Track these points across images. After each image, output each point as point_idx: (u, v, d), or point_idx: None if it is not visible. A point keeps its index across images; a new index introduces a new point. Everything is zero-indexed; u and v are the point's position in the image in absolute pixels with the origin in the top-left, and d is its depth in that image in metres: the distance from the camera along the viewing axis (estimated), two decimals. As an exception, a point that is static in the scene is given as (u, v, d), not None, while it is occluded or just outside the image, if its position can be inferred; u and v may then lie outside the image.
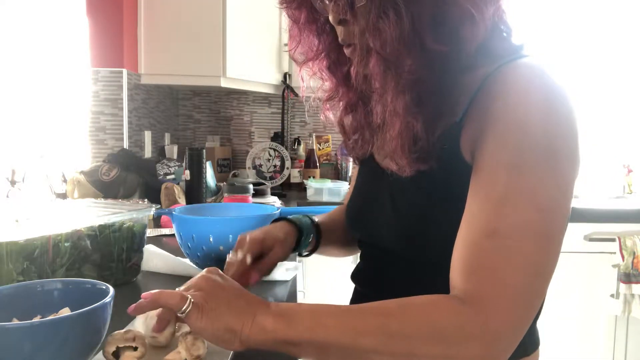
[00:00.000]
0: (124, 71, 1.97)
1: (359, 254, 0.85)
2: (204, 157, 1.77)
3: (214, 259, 1.00)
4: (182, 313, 0.55)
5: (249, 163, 2.51)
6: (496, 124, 0.57)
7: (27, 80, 1.63)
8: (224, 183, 2.12)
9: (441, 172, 0.62)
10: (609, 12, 2.56)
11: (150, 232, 1.42)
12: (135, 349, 0.59)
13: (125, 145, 1.98)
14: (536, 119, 0.55)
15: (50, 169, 1.65)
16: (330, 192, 2.20)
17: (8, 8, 1.53)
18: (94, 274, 0.90)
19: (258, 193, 2.04)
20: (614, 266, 1.98)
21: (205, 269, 0.62)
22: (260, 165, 2.53)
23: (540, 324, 0.72)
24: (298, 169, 2.61)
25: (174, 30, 2.12)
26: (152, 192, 1.70)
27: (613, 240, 1.97)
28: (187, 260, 1.05)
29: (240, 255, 0.76)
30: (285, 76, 2.49)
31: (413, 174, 0.63)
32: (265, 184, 2.21)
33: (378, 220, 0.74)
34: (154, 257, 1.06)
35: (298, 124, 2.80)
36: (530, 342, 0.71)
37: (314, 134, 2.71)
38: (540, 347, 0.73)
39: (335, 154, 2.74)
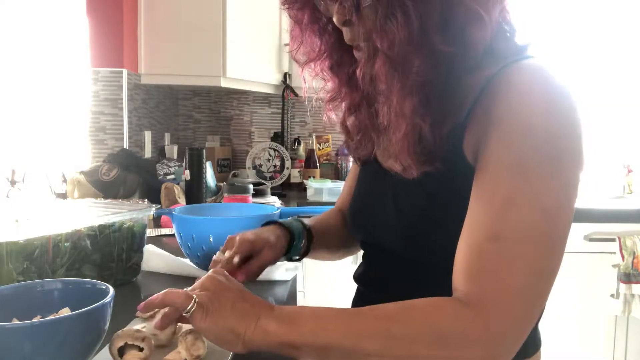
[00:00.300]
0: (124, 71, 1.97)
1: (360, 255, 0.85)
2: (204, 157, 1.77)
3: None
4: (186, 312, 0.55)
5: (249, 163, 2.51)
6: (499, 126, 0.57)
7: (27, 80, 1.63)
8: (224, 183, 2.12)
9: (444, 173, 0.62)
10: (609, 11, 2.56)
11: (150, 232, 1.42)
12: (141, 350, 0.59)
13: (125, 145, 1.98)
14: (539, 121, 0.55)
15: (50, 169, 1.65)
16: (330, 192, 2.20)
17: (8, 8, 1.53)
18: (94, 274, 0.90)
19: (258, 193, 2.04)
20: (614, 266, 1.98)
21: (211, 270, 0.63)
22: (260, 165, 2.53)
23: (540, 324, 0.72)
24: (298, 169, 2.61)
25: (174, 30, 2.12)
26: (152, 192, 1.70)
27: (613, 240, 1.97)
28: (187, 260, 1.05)
29: (228, 254, 0.75)
30: (285, 76, 2.49)
31: (418, 176, 0.63)
32: (265, 184, 2.21)
33: (380, 221, 0.74)
34: (154, 257, 1.06)
35: (298, 124, 2.80)
36: (531, 343, 0.70)
37: (314, 134, 2.71)
38: (541, 348, 0.73)
39: (335, 154, 2.74)
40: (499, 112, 0.57)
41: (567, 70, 2.56)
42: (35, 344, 0.52)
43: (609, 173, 2.57)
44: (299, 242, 0.85)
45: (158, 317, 0.59)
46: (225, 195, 1.63)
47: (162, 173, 1.87)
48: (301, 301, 1.22)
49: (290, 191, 2.53)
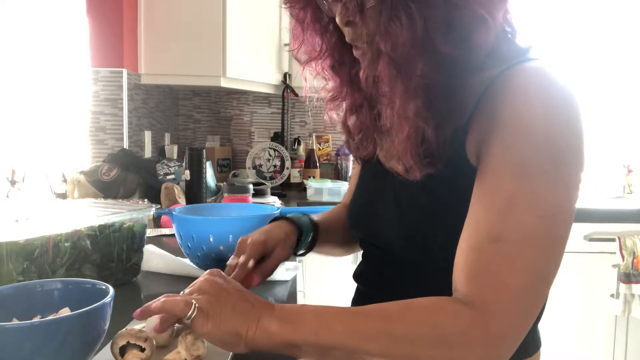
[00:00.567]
0: (124, 71, 1.97)
1: (360, 254, 0.85)
2: (204, 157, 1.77)
3: (214, 259, 1.00)
4: (187, 319, 0.55)
5: (249, 163, 2.51)
6: (501, 129, 0.57)
7: (28, 80, 1.63)
8: (224, 183, 2.12)
9: (446, 174, 0.62)
10: (608, 12, 2.56)
11: (150, 232, 1.42)
12: (143, 350, 0.59)
13: (125, 145, 1.98)
14: (540, 123, 0.55)
15: (50, 169, 1.65)
16: (330, 192, 2.20)
17: (8, 8, 1.53)
18: (94, 274, 0.90)
19: (258, 193, 2.04)
20: (614, 266, 1.98)
21: (207, 271, 0.62)
22: (260, 165, 2.53)
23: (540, 324, 0.72)
24: (298, 169, 2.61)
25: (174, 30, 2.12)
26: (152, 192, 1.70)
27: (613, 240, 1.97)
28: (187, 260, 1.05)
29: (242, 259, 0.76)
30: (285, 76, 2.49)
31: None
32: (265, 184, 2.21)
33: (381, 220, 0.74)
34: (154, 257, 1.06)
35: (298, 124, 2.80)
36: (531, 343, 0.71)
37: (314, 134, 2.71)
38: (541, 348, 0.73)
39: (335, 154, 2.74)
40: (500, 114, 0.57)
41: (567, 71, 2.56)
42: (35, 344, 0.52)
43: (609, 173, 2.57)
44: (306, 237, 0.85)
45: (155, 320, 0.59)
46: (225, 195, 1.63)
47: (162, 173, 1.87)
48: (301, 301, 1.22)
49: (290, 191, 2.53)
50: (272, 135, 2.73)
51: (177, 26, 2.13)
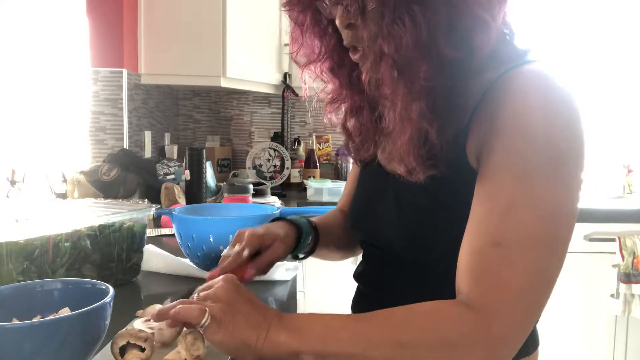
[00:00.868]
0: (124, 71, 1.97)
1: (360, 255, 0.85)
2: (204, 157, 1.77)
3: (214, 259, 1.00)
4: (200, 327, 0.56)
5: (249, 163, 2.51)
6: (501, 132, 0.57)
7: (28, 80, 1.63)
8: (224, 183, 2.12)
9: (447, 176, 0.62)
10: (608, 12, 2.56)
11: (150, 232, 1.42)
12: (143, 350, 0.59)
13: (125, 145, 1.98)
14: (540, 127, 0.55)
15: (50, 169, 1.65)
16: (330, 192, 2.20)
17: (8, 8, 1.53)
18: (94, 274, 0.90)
19: (258, 193, 2.04)
20: (614, 266, 1.98)
21: (223, 276, 0.62)
22: (260, 165, 2.53)
23: (540, 324, 0.72)
24: (298, 169, 2.61)
25: (174, 30, 2.12)
26: (152, 192, 1.70)
27: (613, 240, 1.97)
28: (187, 260, 1.05)
29: (237, 248, 0.75)
30: (285, 76, 2.49)
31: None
32: (265, 184, 2.21)
33: (381, 221, 0.74)
34: (154, 257, 1.06)
35: (298, 124, 2.80)
36: (530, 342, 0.71)
37: (314, 134, 2.71)
38: (541, 347, 0.74)
39: (335, 154, 2.74)
40: (501, 117, 0.57)
41: (567, 71, 2.56)
42: (35, 344, 0.52)
43: (609, 173, 2.57)
44: (306, 240, 0.84)
45: (157, 308, 0.59)
46: (225, 195, 1.63)
47: (162, 173, 1.87)
48: (301, 301, 1.22)
49: (290, 191, 2.53)
50: (272, 135, 2.73)
51: (177, 26, 2.13)
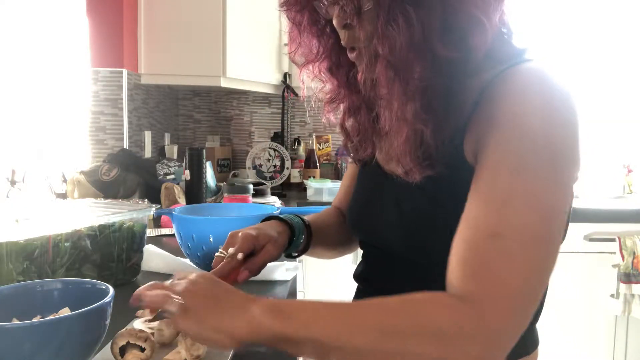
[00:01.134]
0: (124, 71, 1.97)
1: (360, 254, 0.85)
2: (204, 157, 1.77)
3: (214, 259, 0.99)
4: (167, 313, 0.54)
5: (249, 163, 2.51)
6: (497, 128, 0.57)
7: (27, 80, 1.63)
8: (224, 183, 2.12)
9: (446, 175, 0.62)
10: (608, 11, 2.56)
11: (150, 232, 1.42)
12: (143, 350, 0.59)
13: (125, 145, 1.98)
14: (536, 122, 0.55)
15: (50, 169, 1.66)
16: (330, 192, 2.20)
17: (8, 8, 1.53)
18: (94, 274, 0.90)
19: (258, 193, 2.04)
20: (614, 266, 1.98)
21: (200, 273, 0.61)
22: (260, 165, 2.53)
23: (540, 324, 0.73)
24: (298, 169, 2.61)
25: (174, 30, 2.12)
26: (152, 192, 1.70)
27: (613, 240, 1.97)
28: (187, 260, 1.05)
29: (231, 250, 0.74)
30: (285, 76, 2.49)
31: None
32: (265, 184, 2.21)
33: (381, 221, 0.74)
34: (154, 257, 1.06)
35: (298, 124, 2.80)
36: (530, 341, 0.71)
37: (314, 134, 2.71)
38: (540, 347, 0.74)
39: (335, 154, 2.74)
40: (497, 114, 0.58)
41: (566, 71, 2.56)
42: (35, 344, 0.52)
43: (609, 173, 2.57)
44: (299, 238, 0.84)
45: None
46: (225, 195, 1.63)
47: (162, 173, 1.87)
48: (301, 301, 1.22)
49: (290, 191, 2.53)
50: (272, 135, 2.73)
51: (177, 26, 2.13)
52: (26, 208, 0.95)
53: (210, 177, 2.03)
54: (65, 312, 0.61)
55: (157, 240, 1.32)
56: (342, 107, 0.78)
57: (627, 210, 2.07)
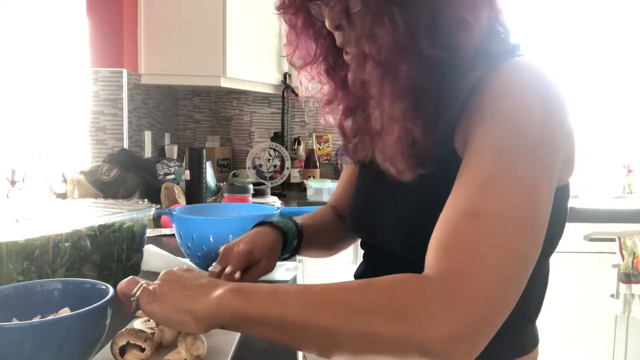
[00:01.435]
0: (124, 71, 1.97)
1: (361, 254, 0.86)
2: (204, 157, 1.77)
3: (213, 259, 0.99)
4: (133, 297, 0.57)
5: (249, 163, 2.51)
6: (482, 114, 0.58)
7: (27, 80, 1.63)
8: (224, 183, 2.12)
9: (440, 173, 0.62)
10: (609, 11, 2.56)
11: (150, 232, 1.42)
12: (143, 350, 0.59)
13: (125, 145, 1.98)
14: (521, 108, 0.56)
15: (50, 169, 1.66)
16: (330, 192, 2.20)
17: (8, 8, 1.53)
18: (94, 274, 0.90)
19: (258, 193, 2.04)
20: (614, 266, 1.98)
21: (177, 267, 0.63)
22: (260, 165, 2.53)
23: (539, 324, 0.72)
24: (298, 169, 2.61)
25: (174, 30, 2.12)
26: (152, 192, 1.70)
27: (613, 240, 1.97)
28: (187, 260, 1.05)
29: (229, 270, 0.76)
30: (285, 76, 2.49)
31: (415, 178, 0.63)
32: (265, 184, 2.21)
33: (379, 222, 0.74)
34: (154, 257, 1.06)
35: (298, 124, 2.80)
36: (529, 340, 0.71)
37: (314, 134, 2.71)
38: (541, 347, 0.73)
39: (335, 154, 2.74)
40: (483, 103, 0.58)
41: (565, 70, 2.56)
42: (35, 344, 0.52)
43: (609, 173, 2.57)
44: (291, 244, 0.86)
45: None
46: (225, 195, 1.63)
47: (162, 173, 1.87)
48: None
49: (290, 191, 2.53)
50: (272, 135, 2.73)
51: (177, 26, 2.13)
52: (26, 208, 0.95)
53: (210, 177, 2.03)
54: (65, 312, 0.60)
55: (157, 240, 1.32)
56: (340, 108, 0.79)
57: (627, 210, 2.07)
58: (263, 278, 0.99)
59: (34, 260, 0.81)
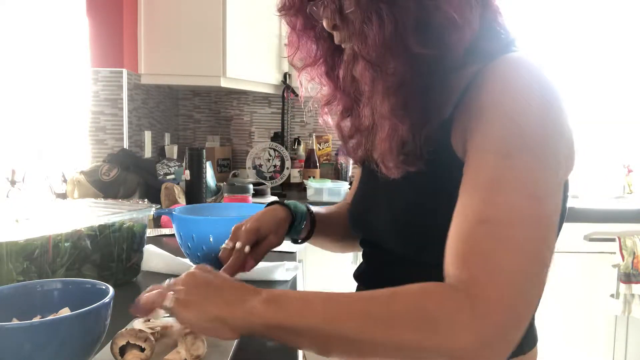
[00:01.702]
0: (124, 71, 1.97)
1: (360, 254, 0.86)
2: (204, 157, 1.77)
3: (214, 259, 0.99)
4: (166, 309, 0.56)
5: (249, 163, 2.51)
6: (482, 114, 0.57)
7: (27, 80, 1.63)
8: (224, 183, 2.12)
9: (435, 170, 0.63)
10: (610, 11, 2.56)
11: (150, 232, 1.42)
12: (143, 350, 0.59)
13: (125, 145, 1.98)
14: (520, 107, 0.56)
15: (50, 169, 1.66)
16: (330, 192, 2.20)
17: (8, 8, 1.53)
18: (94, 274, 0.90)
19: (258, 193, 2.04)
20: (614, 266, 1.98)
21: (195, 266, 0.62)
22: (260, 165, 2.53)
23: (539, 324, 0.72)
24: (298, 169, 2.61)
25: (174, 30, 2.12)
26: (152, 192, 1.70)
27: (613, 240, 1.97)
28: (187, 260, 1.05)
29: (239, 245, 0.78)
30: (285, 76, 2.49)
31: (408, 174, 0.64)
32: (265, 184, 2.21)
33: (376, 219, 0.74)
34: (154, 257, 1.06)
35: (298, 124, 2.80)
36: (527, 339, 0.70)
37: (314, 134, 2.71)
38: (540, 347, 0.73)
39: (335, 154, 2.74)
40: (481, 101, 0.58)
41: (565, 69, 2.56)
42: (35, 344, 0.52)
43: (609, 173, 2.57)
44: (300, 224, 0.87)
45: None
46: (225, 195, 1.63)
47: (162, 173, 1.87)
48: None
49: (290, 191, 2.53)
50: (272, 135, 2.73)
51: (177, 26, 2.13)
52: (26, 208, 0.95)
53: (210, 177, 2.03)
54: (65, 312, 0.60)
55: (157, 240, 1.32)
56: (338, 109, 0.80)
57: (627, 210, 2.07)
58: (263, 278, 0.99)
59: (34, 260, 0.81)
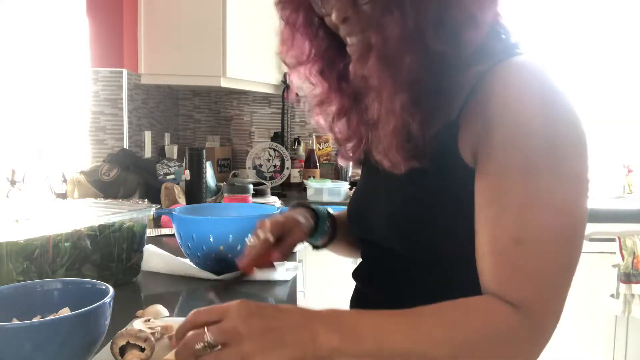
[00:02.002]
0: (124, 71, 1.97)
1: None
2: (204, 157, 1.77)
3: (214, 259, 1.00)
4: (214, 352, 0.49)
5: (249, 163, 2.51)
6: (499, 129, 0.57)
7: (27, 80, 1.63)
8: (224, 183, 2.12)
9: (436, 169, 0.62)
10: (609, 11, 2.56)
11: (150, 232, 1.42)
12: (143, 350, 0.59)
13: (125, 145, 1.98)
14: (537, 121, 0.56)
15: (50, 169, 1.66)
16: (330, 192, 2.20)
17: (8, 8, 1.53)
18: (94, 274, 0.90)
19: (258, 193, 2.03)
20: (614, 266, 1.98)
21: (233, 304, 0.51)
22: (260, 165, 2.53)
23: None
24: (298, 169, 2.61)
25: (174, 30, 2.12)
26: (152, 192, 1.70)
27: (613, 240, 1.97)
28: (187, 260, 1.05)
29: (262, 235, 0.75)
30: (285, 76, 2.49)
31: (409, 172, 0.63)
32: (265, 184, 2.21)
33: (374, 217, 0.74)
34: (154, 257, 1.06)
35: (298, 124, 2.80)
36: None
37: (314, 134, 2.71)
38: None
39: (335, 154, 2.74)
40: (495, 112, 0.58)
41: (565, 69, 2.56)
42: (35, 344, 0.52)
43: (609, 173, 2.57)
44: (324, 224, 0.86)
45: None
46: (225, 195, 1.63)
47: (162, 173, 1.87)
48: (301, 301, 1.22)
49: (290, 191, 2.53)
50: (272, 135, 2.73)
51: (177, 26, 2.12)
52: (26, 208, 0.95)
53: (210, 177, 2.03)
54: (65, 312, 0.61)
55: (157, 240, 1.32)
56: (332, 110, 0.77)
57: (627, 210, 2.07)
58: (263, 278, 0.99)
59: (34, 260, 0.81)
